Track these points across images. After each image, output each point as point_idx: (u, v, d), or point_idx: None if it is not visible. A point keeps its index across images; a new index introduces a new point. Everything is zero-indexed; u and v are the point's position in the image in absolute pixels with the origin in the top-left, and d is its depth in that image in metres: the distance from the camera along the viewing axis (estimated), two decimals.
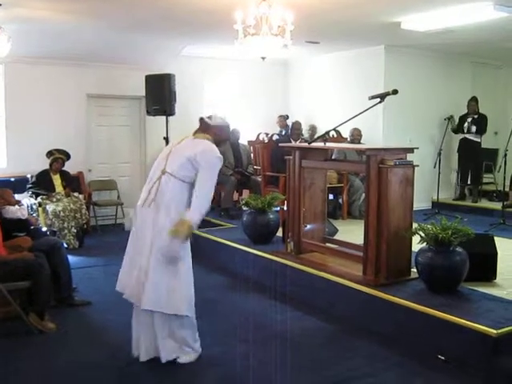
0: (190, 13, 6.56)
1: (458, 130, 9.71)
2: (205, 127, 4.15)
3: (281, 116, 10.31)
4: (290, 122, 9.94)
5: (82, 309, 5.30)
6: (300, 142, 8.37)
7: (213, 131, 4.14)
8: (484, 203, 9.54)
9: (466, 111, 9.69)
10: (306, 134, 9.80)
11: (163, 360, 3.99)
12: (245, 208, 6.76)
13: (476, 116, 9.57)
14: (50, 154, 8.25)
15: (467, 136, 9.63)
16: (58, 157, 8.27)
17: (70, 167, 8.57)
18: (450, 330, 4.07)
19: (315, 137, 9.00)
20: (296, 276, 5.59)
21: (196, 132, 4.17)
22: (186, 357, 4.08)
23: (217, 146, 4.10)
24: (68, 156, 8.38)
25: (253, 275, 6.17)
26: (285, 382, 3.83)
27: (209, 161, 3.97)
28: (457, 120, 9.75)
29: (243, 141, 9.51)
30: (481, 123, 9.52)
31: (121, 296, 5.41)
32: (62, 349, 4.40)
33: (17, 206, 5.74)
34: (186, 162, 3.95)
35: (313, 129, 9.98)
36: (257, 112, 10.68)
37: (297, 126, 9.03)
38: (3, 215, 5.25)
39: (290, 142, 8.50)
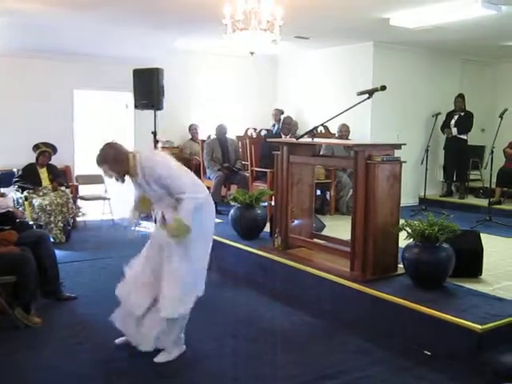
0: (179, 6, 6.54)
1: (444, 126, 9.74)
2: None
3: (276, 109, 10.29)
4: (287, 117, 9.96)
5: (68, 303, 5.27)
6: (290, 137, 8.36)
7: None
8: (471, 200, 9.60)
9: (453, 108, 9.74)
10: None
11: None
12: (232, 203, 6.75)
13: (462, 113, 9.61)
14: (36, 147, 8.19)
15: (453, 133, 9.67)
16: (45, 150, 8.20)
17: (57, 161, 8.52)
18: (435, 325, 4.10)
19: (298, 133, 9.01)
20: (284, 271, 5.60)
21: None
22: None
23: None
24: (55, 149, 8.32)
25: (241, 270, 6.17)
26: (274, 376, 3.83)
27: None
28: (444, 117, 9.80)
29: (232, 136, 9.51)
30: (467, 120, 9.57)
31: (107, 290, 5.41)
32: (48, 343, 4.37)
33: (1, 198, 5.69)
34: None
35: (295, 125, 9.97)
36: (246, 107, 10.68)
37: (287, 120, 9.02)
38: None
39: (280, 137, 8.50)
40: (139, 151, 4.01)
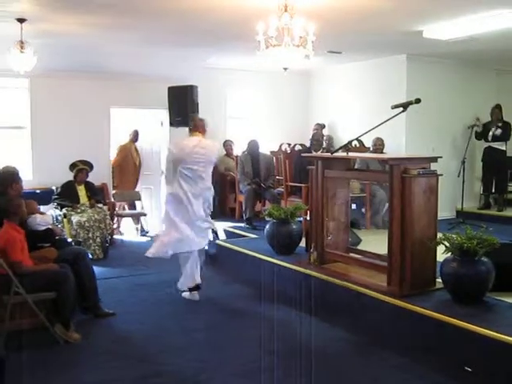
0: (213, 25, 6.62)
1: (482, 136, 9.60)
2: None
3: (318, 124, 10.30)
4: (324, 132, 9.98)
5: (106, 319, 5.33)
6: (322, 152, 8.35)
7: None
8: (509, 212, 9.42)
9: (489, 119, 9.61)
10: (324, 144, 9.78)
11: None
12: (268, 218, 6.76)
13: (500, 124, 9.48)
14: (73, 166, 8.33)
15: (492, 144, 9.55)
16: (82, 168, 8.35)
17: (94, 178, 8.66)
18: (476, 341, 4.02)
19: (334, 147, 9.00)
20: (320, 286, 5.57)
21: None
22: None
23: None
24: (91, 167, 8.46)
25: (277, 286, 6.16)
26: None
27: None
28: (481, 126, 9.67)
29: (266, 151, 9.54)
30: (505, 131, 9.43)
31: (144, 306, 5.47)
32: (87, 359, 4.44)
33: (41, 216, 5.79)
34: None
35: (329, 139, 9.95)
36: (280, 122, 10.70)
37: (316, 136, 9.00)
38: (29, 226, 5.31)
39: (312, 152, 8.49)
40: None
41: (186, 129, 8.41)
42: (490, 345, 3.93)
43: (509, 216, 9.14)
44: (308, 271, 5.78)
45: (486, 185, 9.83)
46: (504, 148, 9.54)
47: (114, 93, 9.22)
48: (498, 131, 9.43)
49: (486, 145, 9.64)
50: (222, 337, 4.91)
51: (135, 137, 9.98)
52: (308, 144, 9.46)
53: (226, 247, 7.34)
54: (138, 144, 10.09)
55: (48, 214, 6.41)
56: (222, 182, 9.83)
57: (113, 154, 9.87)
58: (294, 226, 6.52)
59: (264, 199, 8.87)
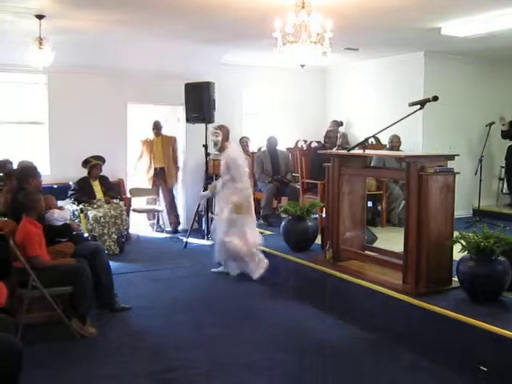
0: (229, 21, 6.63)
1: (509, 136, 9.52)
2: None
3: (334, 121, 10.27)
4: (341, 129, 9.95)
5: (122, 314, 5.36)
6: (337, 149, 8.33)
7: None
8: None
9: (509, 117, 9.53)
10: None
11: None
12: (283, 215, 6.76)
13: None
14: (86, 162, 8.37)
15: None
16: (96, 163, 8.40)
17: (111, 174, 8.72)
18: (492, 340, 3.99)
19: (349, 144, 8.97)
20: (335, 284, 5.56)
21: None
22: None
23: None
24: (104, 161, 8.50)
25: (292, 282, 6.17)
26: None
27: None
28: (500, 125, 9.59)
29: (282, 148, 9.54)
30: None
31: (159, 302, 5.51)
32: (103, 353, 4.47)
33: (59, 211, 5.84)
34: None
35: (343, 136, 9.91)
36: (296, 119, 10.69)
37: (329, 134, 8.98)
38: (47, 220, 5.35)
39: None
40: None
41: (203, 125, 8.53)
42: (506, 344, 3.90)
43: None
44: (323, 268, 5.76)
45: (510, 183, 9.73)
46: None
47: (130, 89, 9.23)
48: None
49: (510, 143, 9.55)
50: (235, 333, 4.93)
51: (155, 129, 9.59)
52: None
53: None
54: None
55: (66, 209, 6.47)
56: None
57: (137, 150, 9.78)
58: (310, 223, 6.51)
59: (284, 195, 8.87)
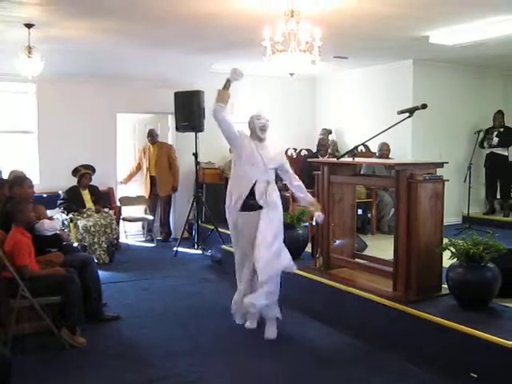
0: (219, 30, 6.64)
1: (483, 143, 9.61)
2: None
3: (324, 129, 10.30)
4: (331, 138, 9.97)
5: (111, 324, 5.34)
6: (328, 157, 8.36)
7: None
8: None
9: (493, 124, 9.62)
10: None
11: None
12: None
13: (502, 129, 9.49)
14: (75, 171, 8.38)
15: (494, 150, 9.54)
16: (85, 172, 8.39)
17: (100, 183, 8.70)
18: (482, 347, 4.01)
19: (339, 152, 8.99)
20: (325, 291, 5.57)
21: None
22: None
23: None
24: (94, 170, 8.50)
25: (282, 290, 6.15)
26: None
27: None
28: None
29: None
30: (507, 136, 9.42)
31: (149, 311, 5.48)
32: (93, 363, 4.44)
33: (48, 221, 5.81)
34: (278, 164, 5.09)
35: (333, 144, 9.94)
36: (286, 127, 10.70)
37: (323, 142, 9.00)
38: (36, 230, 5.32)
39: (318, 157, 8.50)
40: None
41: (193, 134, 8.52)
42: (495, 351, 3.91)
43: None
44: (313, 276, 5.77)
45: (490, 190, 9.82)
46: (506, 153, 9.53)
47: (120, 98, 9.24)
48: (495, 140, 9.44)
49: (489, 151, 9.64)
50: (226, 342, 4.91)
51: (149, 136, 9.57)
52: (314, 149, 9.48)
53: (231, 252, 7.31)
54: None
55: (56, 220, 6.43)
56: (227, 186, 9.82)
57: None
58: (300, 231, 6.51)
59: None
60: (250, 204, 4.90)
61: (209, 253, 8.08)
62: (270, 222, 4.89)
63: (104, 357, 4.56)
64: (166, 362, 4.42)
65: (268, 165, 4.95)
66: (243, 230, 4.99)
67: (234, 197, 5.00)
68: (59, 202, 8.25)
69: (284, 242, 6.31)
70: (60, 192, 8.46)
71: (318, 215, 5.21)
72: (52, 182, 8.61)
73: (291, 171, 5.24)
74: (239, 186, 4.98)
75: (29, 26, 6.15)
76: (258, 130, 5.05)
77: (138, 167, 9.68)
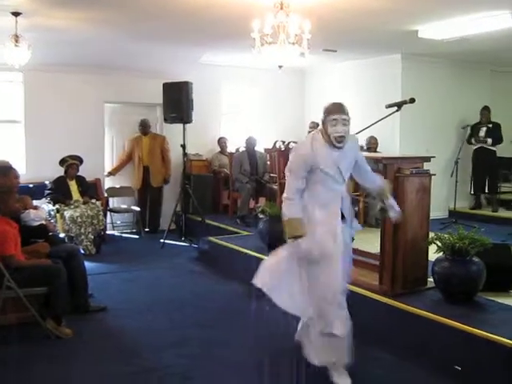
0: (208, 22, 6.61)
1: (471, 138, 9.66)
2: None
3: (313, 122, 10.29)
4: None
5: (97, 314, 5.33)
6: None
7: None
8: (502, 213, 9.46)
9: (479, 120, 9.68)
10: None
11: None
12: (261, 216, 6.76)
13: (490, 125, 9.54)
14: (63, 161, 8.31)
15: (482, 145, 9.59)
16: (72, 162, 8.33)
17: (88, 174, 8.65)
18: (466, 340, 4.04)
19: None
20: None
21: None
22: None
23: None
24: (81, 161, 8.44)
25: None
26: None
27: None
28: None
29: (260, 148, 9.54)
30: (495, 132, 9.49)
31: (136, 302, 5.44)
32: (78, 354, 4.43)
33: (35, 211, 5.77)
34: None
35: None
36: (274, 120, 10.71)
37: None
38: (23, 221, 5.29)
39: None
40: None
41: (181, 125, 8.50)
42: (479, 344, 3.94)
43: (501, 217, 9.19)
44: None
45: (477, 185, 9.88)
46: (495, 148, 9.59)
47: (108, 88, 9.20)
48: (489, 139, 9.51)
49: (477, 145, 9.69)
50: (213, 334, 4.91)
51: (141, 127, 9.53)
52: None
53: (218, 244, 7.34)
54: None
55: (42, 209, 6.39)
56: (216, 179, 9.84)
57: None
58: None
59: (262, 196, 8.88)
60: None
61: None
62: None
63: (89, 348, 4.55)
64: (153, 353, 4.42)
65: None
66: None
67: None
68: (46, 192, 8.20)
69: (269, 234, 6.30)
70: (47, 182, 8.40)
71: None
72: (39, 172, 8.56)
73: None
74: None
75: (16, 14, 6.10)
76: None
77: (129, 157, 9.62)
